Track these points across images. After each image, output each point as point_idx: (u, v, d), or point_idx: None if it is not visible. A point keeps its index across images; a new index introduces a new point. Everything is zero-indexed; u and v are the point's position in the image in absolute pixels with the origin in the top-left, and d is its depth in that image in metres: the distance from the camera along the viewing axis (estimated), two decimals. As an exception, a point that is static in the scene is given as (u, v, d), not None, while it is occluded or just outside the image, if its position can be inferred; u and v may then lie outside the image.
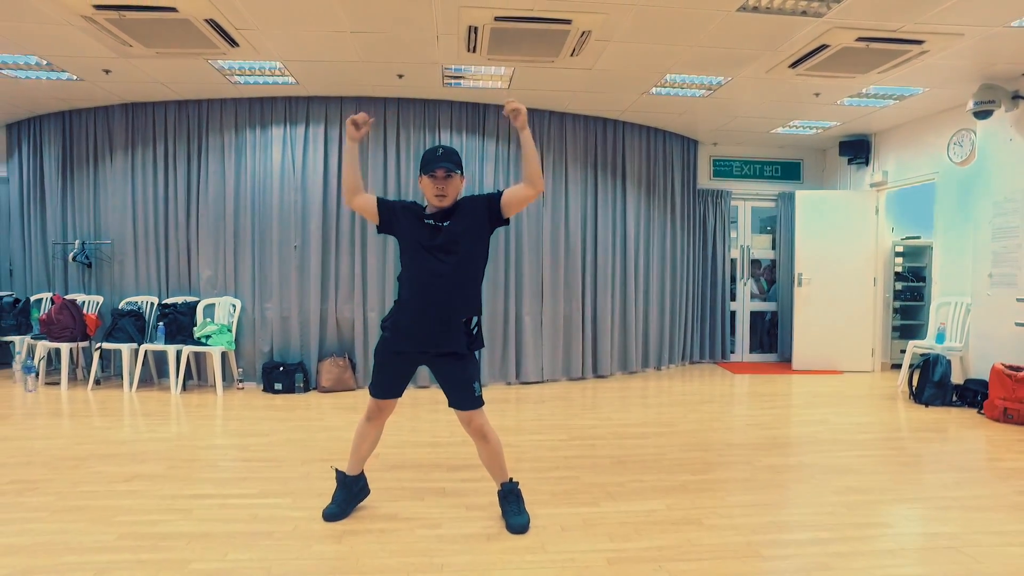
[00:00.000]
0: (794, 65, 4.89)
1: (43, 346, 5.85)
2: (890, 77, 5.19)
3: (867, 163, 7.29)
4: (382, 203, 2.73)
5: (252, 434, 4.40)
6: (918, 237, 7.51)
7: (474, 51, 4.66)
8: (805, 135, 7.29)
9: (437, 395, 5.71)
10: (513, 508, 2.77)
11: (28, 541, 2.54)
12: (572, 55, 4.73)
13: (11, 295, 6.73)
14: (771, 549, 2.56)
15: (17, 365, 6.15)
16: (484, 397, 2.75)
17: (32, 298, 6.53)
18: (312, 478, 3.36)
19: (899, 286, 7.66)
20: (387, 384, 2.76)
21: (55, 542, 2.53)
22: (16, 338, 6.31)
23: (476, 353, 2.77)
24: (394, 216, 2.70)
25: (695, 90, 5.69)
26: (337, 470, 2.92)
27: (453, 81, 5.53)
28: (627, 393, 5.99)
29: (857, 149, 7.23)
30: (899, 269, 7.73)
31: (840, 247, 7.23)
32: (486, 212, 2.66)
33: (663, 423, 4.78)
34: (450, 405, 2.73)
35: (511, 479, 2.83)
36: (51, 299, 6.14)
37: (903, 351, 6.37)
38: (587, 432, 4.48)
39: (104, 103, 6.10)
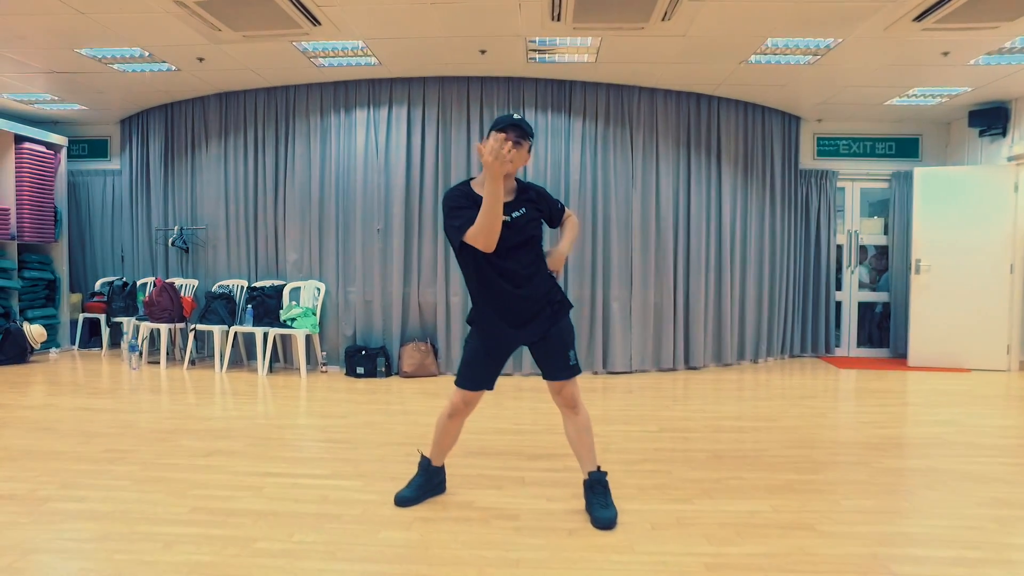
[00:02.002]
0: (919, 18, 4.28)
1: (145, 326, 6.15)
2: (1042, 26, 4.46)
3: (1004, 134, 6.42)
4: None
5: (330, 416, 4.38)
6: (1066, 219, 6.56)
7: (558, 19, 4.40)
8: (926, 105, 6.52)
9: (521, 382, 5.54)
10: (600, 500, 2.52)
11: (109, 508, 2.56)
12: (664, 19, 4.37)
13: (121, 279, 7.15)
14: (904, 566, 2.17)
15: (124, 344, 6.51)
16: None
17: (139, 282, 6.90)
18: (386, 461, 3.24)
19: (1042, 275, 6.72)
20: (481, 376, 2.58)
21: (132, 511, 2.53)
22: (124, 319, 6.68)
23: (569, 316, 2.61)
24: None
25: (799, 56, 5.16)
26: (423, 455, 2.78)
27: (538, 56, 5.30)
28: (721, 385, 5.57)
29: (992, 118, 6.37)
30: (1042, 255, 6.78)
31: (967, 230, 6.42)
32: (546, 213, 2.58)
33: (762, 417, 4.36)
34: (544, 377, 2.59)
35: (599, 467, 2.58)
36: (154, 283, 6.44)
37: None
38: (678, 424, 4.15)
39: (200, 93, 6.32)
